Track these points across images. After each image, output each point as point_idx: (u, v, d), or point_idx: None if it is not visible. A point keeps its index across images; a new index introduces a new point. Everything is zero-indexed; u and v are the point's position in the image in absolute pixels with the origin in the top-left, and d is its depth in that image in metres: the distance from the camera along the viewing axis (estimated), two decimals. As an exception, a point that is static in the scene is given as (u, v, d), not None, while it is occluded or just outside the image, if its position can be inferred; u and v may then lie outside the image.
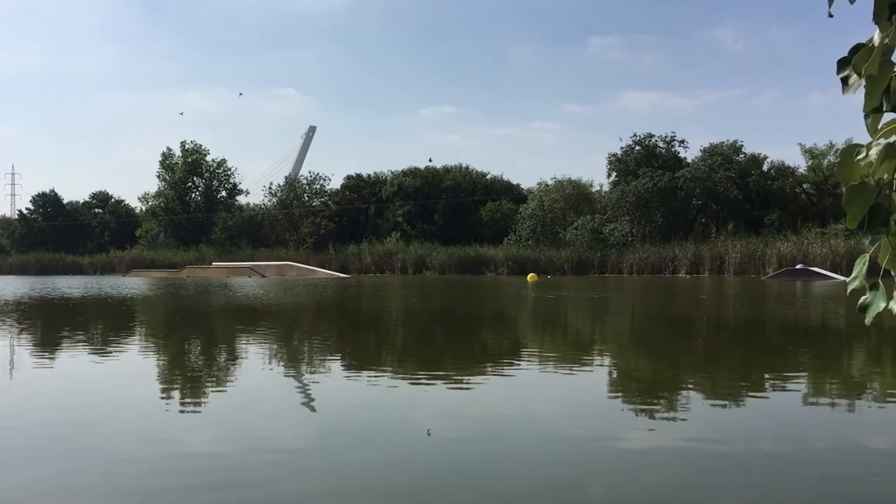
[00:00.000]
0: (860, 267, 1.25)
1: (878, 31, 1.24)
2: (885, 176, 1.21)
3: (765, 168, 52.82)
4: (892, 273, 1.24)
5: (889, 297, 1.23)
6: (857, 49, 1.26)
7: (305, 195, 69.72)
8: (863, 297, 1.26)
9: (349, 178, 67.98)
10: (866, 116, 1.26)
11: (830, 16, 1.32)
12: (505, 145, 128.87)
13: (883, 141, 1.23)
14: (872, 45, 1.24)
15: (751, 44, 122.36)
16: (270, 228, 68.67)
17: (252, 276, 45.58)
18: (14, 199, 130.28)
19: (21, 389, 5.94)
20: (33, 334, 10.66)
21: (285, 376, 6.51)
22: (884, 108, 1.24)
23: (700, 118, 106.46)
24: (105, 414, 4.77)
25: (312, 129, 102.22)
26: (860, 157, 1.24)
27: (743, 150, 53.11)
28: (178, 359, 7.85)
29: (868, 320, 1.26)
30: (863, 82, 1.25)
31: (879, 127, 1.25)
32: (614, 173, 54.48)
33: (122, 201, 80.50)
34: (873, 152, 1.22)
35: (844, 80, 1.29)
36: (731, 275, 41.05)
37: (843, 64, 1.29)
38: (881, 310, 1.25)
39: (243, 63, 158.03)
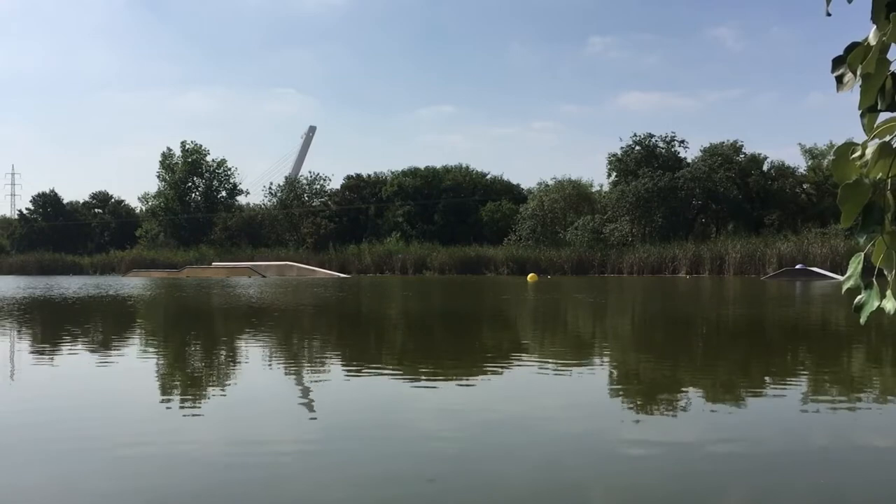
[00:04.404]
0: (855, 266, 1.25)
1: (874, 29, 1.24)
2: (880, 175, 1.21)
3: (765, 168, 52.84)
4: (886, 272, 1.23)
5: (883, 296, 1.23)
6: (852, 47, 1.26)
7: (305, 195, 69.75)
8: (858, 297, 1.26)
9: (349, 178, 67.99)
10: (862, 115, 1.26)
11: (828, 14, 1.32)
12: (505, 145, 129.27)
13: (878, 140, 1.23)
14: (868, 43, 1.24)
15: (751, 44, 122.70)
16: (270, 228, 68.66)
17: (252, 277, 45.57)
18: (14, 199, 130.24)
19: (21, 390, 5.93)
20: (33, 334, 10.65)
21: (285, 376, 6.51)
22: (879, 108, 1.24)
23: (700, 118, 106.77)
24: (105, 414, 4.76)
25: (312, 129, 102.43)
26: (855, 155, 1.24)
27: (743, 150, 53.18)
28: (179, 359, 7.84)
29: (863, 319, 1.26)
30: (857, 81, 1.25)
31: (875, 126, 1.25)
32: (614, 173, 54.48)
33: (122, 201, 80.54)
34: (869, 151, 1.22)
35: (839, 79, 1.29)
36: (731, 275, 41.03)
37: (838, 62, 1.29)
38: (875, 308, 1.24)
39: (243, 63, 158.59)
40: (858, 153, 1.24)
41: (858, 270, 1.25)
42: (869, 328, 9.53)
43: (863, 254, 1.24)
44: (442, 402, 5.08)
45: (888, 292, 1.22)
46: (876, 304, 1.22)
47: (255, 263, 51.26)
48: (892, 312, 1.22)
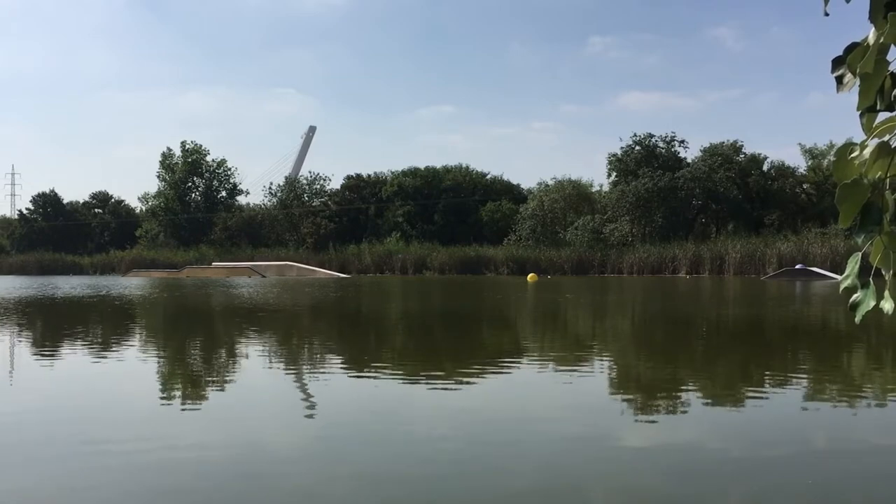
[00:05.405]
0: (853, 265, 1.25)
1: (873, 29, 1.24)
2: (879, 174, 1.21)
3: (765, 168, 52.85)
4: (884, 272, 1.23)
5: (880, 296, 1.23)
6: (851, 48, 1.26)
7: (305, 195, 69.72)
8: (854, 296, 1.26)
9: (349, 178, 67.97)
10: (861, 115, 1.26)
11: (826, 14, 1.32)
12: (505, 145, 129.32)
13: (876, 140, 1.23)
14: (867, 44, 1.24)
15: (751, 44, 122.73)
16: (270, 228, 68.63)
17: (252, 277, 45.56)
18: (14, 199, 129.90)
19: (20, 390, 5.94)
20: (33, 334, 10.65)
21: (285, 376, 6.51)
22: (878, 108, 1.24)
23: (700, 118, 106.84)
24: (105, 414, 4.77)
25: (312, 129, 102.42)
26: (854, 155, 1.24)
27: (743, 150, 53.19)
28: (178, 359, 7.85)
29: (858, 319, 1.26)
30: (857, 81, 1.25)
31: (874, 125, 1.25)
32: (614, 173, 54.47)
33: (122, 201, 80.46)
34: (867, 151, 1.22)
35: (839, 79, 1.29)
36: (731, 275, 41.03)
37: (837, 63, 1.29)
38: (871, 308, 1.24)
39: (243, 63, 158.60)
40: (857, 153, 1.24)
41: (856, 270, 1.25)
42: (869, 328, 9.53)
43: (860, 253, 1.24)
44: (442, 402, 5.08)
45: (886, 292, 1.22)
46: (872, 303, 1.22)
47: (255, 263, 51.24)
48: (890, 312, 1.22)
